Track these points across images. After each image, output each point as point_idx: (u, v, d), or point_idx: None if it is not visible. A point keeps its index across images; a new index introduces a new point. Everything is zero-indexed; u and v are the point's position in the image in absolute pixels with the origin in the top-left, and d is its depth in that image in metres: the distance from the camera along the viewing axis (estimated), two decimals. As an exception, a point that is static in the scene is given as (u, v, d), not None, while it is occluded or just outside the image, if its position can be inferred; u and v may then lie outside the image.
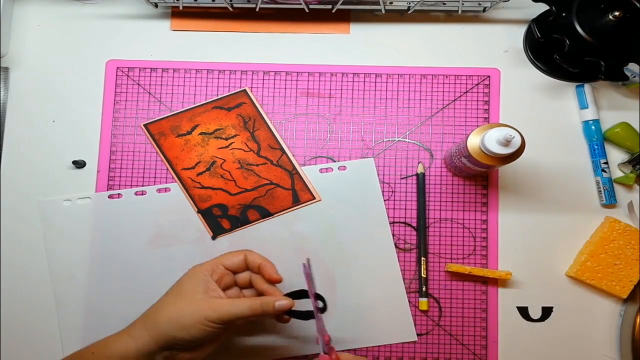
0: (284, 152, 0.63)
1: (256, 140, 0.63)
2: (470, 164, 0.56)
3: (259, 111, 0.64)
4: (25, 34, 0.65)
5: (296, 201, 0.62)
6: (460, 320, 0.61)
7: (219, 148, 0.63)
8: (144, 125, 0.64)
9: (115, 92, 0.64)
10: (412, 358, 0.61)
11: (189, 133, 0.63)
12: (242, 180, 0.63)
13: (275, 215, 0.62)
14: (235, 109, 0.64)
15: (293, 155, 0.63)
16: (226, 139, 0.63)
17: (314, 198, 0.62)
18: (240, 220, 0.62)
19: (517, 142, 0.52)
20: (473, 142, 0.54)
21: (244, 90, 0.64)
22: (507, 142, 0.51)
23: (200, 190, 0.62)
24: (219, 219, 0.62)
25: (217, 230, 0.62)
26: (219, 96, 0.64)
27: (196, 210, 0.62)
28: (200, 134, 0.63)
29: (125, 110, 0.64)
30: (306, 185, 0.63)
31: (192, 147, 0.63)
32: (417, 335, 0.61)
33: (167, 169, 0.63)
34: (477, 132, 0.54)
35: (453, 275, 0.62)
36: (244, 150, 0.63)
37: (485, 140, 0.52)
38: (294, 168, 0.63)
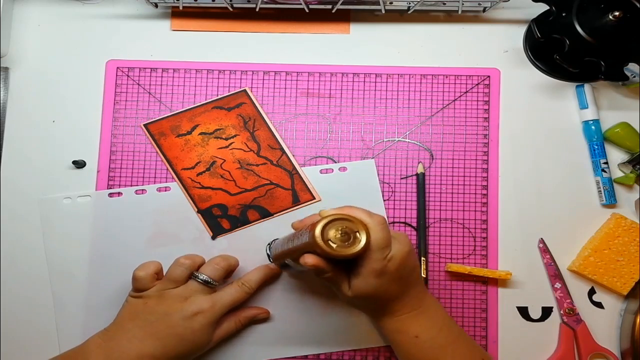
0: (284, 152, 0.63)
1: (256, 140, 0.63)
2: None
3: (259, 111, 0.64)
4: (25, 34, 0.65)
5: (296, 201, 0.62)
6: (460, 320, 0.61)
7: (219, 148, 0.63)
8: (144, 125, 0.64)
9: (115, 92, 0.64)
10: (412, 358, 0.61)
11: (189, 133, 0.63)
12: (242, 180, 0.63)
13: (275, 215, 0.62)
14: (235, 109, 0.64)
15: (293, 155, 0.63)
16: (226, 139, 0.63)
17: (314, 198, 0.62)
18: (240, 220, 0.62)
19: None
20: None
21: (244, 91, 0.64)
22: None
23: (200, 190, 0.62)
24: (219, 219, 0.62)
25: (216, 230, 0.62)
26: (219, 96, 0.64)
27: (196, 210, 0.62)
28: (200, 134, 0.63)
29: (125, 110, 0.64)
30: (306, 186, 0.63)
31: (192, 147, 0.63)
32: (417, 335, 0.61)
33: (167, 169, 0.63)
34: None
35: (453, 275, 0.62)
36: (244, 150, 0.63)
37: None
38: (294, 168, 0.63)
